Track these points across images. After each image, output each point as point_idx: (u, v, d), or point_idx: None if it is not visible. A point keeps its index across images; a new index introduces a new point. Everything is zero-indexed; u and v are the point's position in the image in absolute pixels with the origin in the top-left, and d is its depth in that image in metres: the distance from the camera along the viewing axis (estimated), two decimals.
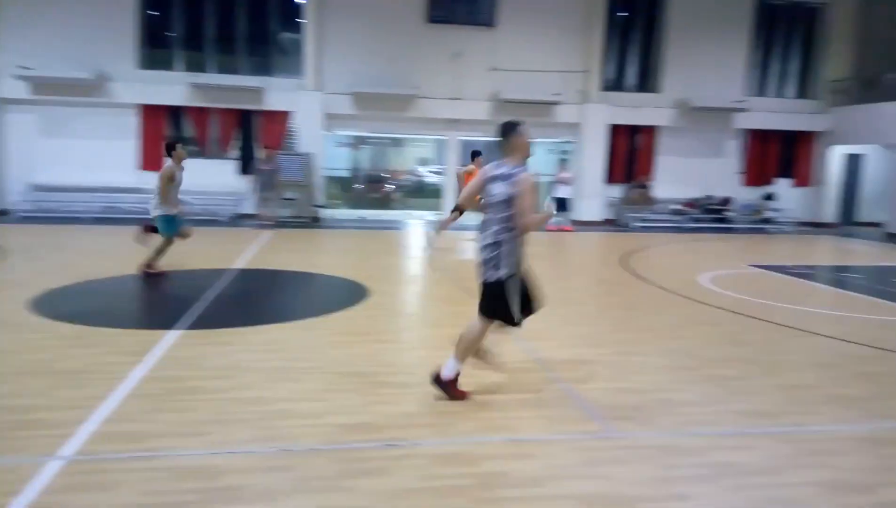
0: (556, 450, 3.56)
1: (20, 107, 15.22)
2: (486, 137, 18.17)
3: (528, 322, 4.41)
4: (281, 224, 14.31)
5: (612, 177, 17.76)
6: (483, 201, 4.23)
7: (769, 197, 17.89)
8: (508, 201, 4.02)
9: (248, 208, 15.39)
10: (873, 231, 16.97)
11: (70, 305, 6.57)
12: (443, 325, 6.40)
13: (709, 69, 17.72)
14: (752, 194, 18.02)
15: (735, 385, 4.73)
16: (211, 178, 15.73)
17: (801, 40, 18.69)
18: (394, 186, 20.44)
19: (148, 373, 4.58)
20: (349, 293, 7.55)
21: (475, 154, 11.85)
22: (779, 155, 18.36)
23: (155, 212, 8.08)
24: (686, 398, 4.43)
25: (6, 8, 14.85)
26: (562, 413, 4.10)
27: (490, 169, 4.23)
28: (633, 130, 17.81)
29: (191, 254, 9.90)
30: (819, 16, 18.41)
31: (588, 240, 14.39)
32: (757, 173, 18.24)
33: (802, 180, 18.48)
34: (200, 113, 15.94)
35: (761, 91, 18.38)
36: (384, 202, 19.85)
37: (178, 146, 8.15)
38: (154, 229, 8.26)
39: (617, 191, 17.78)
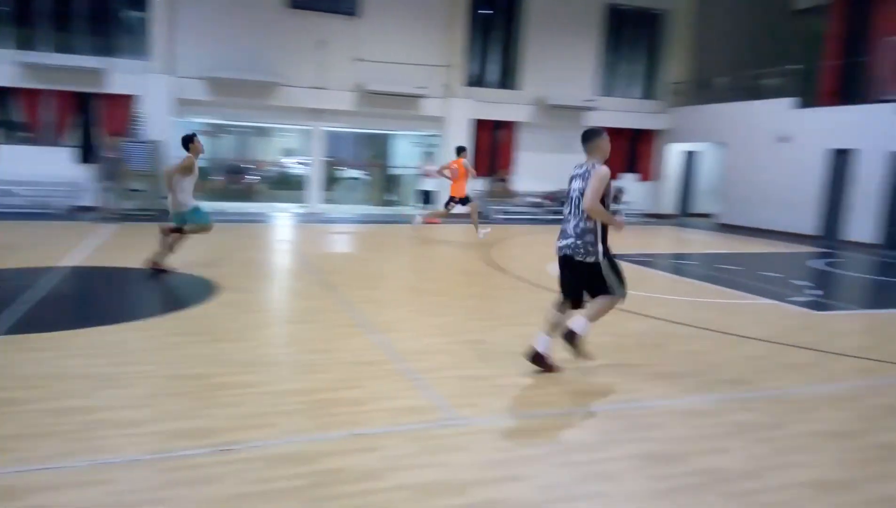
0: (397, 441, 3.56)
1: None
2: (351, 128, 17.97)
3: (386, 314, 4.36)
4: (126, 217, 13.24)
5: (475, 170, 18.17)
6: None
7: (617, 191, 19.17)
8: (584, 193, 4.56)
9: (87, 199, 14.10)
10: (706, 221, 18.73)
11: None
12: (295, 321, 6.23)
13: (563, 69, 18.65)
14: None
15: (576, 368, 4.98)
16: (44, 167, 14.27)
17: (645, 44, 20.17)
18: (257, 178, 19.64)
19: None
20: (196, 291, 7.11)
21: (460, 150, 12.66)
22: (626, 152, 19.72)
23: (182, 208, 7.90)
24: (527, 383, 4.60)
25: None
26: (407, 404, 4.10)
27: (574, 169, 4.80)
28: (495, 126, 18.36)
29: (13, 251, 8.89)
30: (661, 22, 19.95)
31: (452, 232, 14.65)
32: None
33: (646, 175, 20.00)
34: (32, 95, 14.37)
35: (610, 91, 19.63)
36: (246, 194, 19.01)
37: (196, 138, 7.98)
38: (177, 229, 8.02)
39: (480, 184, 18.25)
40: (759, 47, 19.02)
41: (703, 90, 19.16)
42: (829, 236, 15.02)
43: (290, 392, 4.23)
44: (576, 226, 4.65)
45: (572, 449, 3.57)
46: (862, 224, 14.41)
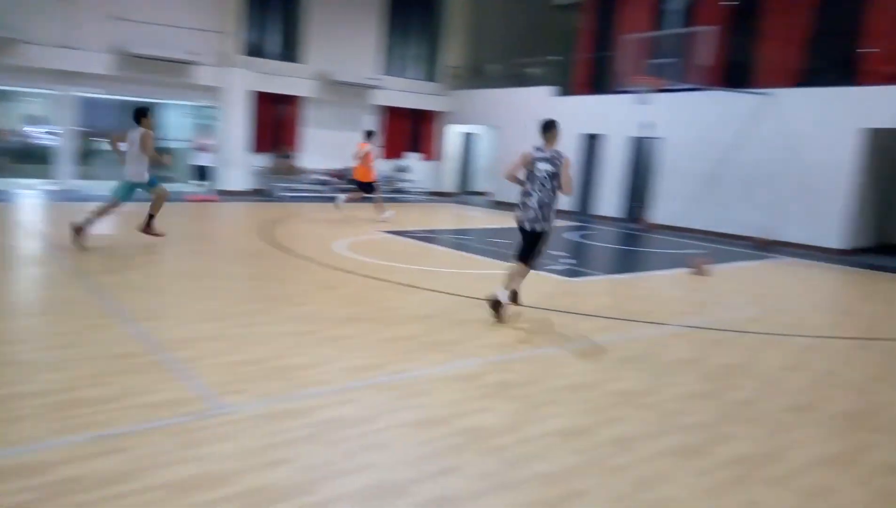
0: (151, 439, 3.25)
1: None
2: (111, 95, 16.03)
3: (146, 301, 3.93)
4: None
5: (258, 146, 17.39)
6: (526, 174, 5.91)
7: (402, 169, 19.67)
8: (553, 176, 5.77)
9: None
10: (483, 199, 20.01)
11: None
12: (32, 314, 5.42)
13: (347, 45, 18.49)
14: (387, 167, 19.56)
15: (349, 343, 5.00)
16: None
17: (426, 27, 20.75)
18: None
19: None
20: None
21: (369, 134, 13.14)
22: (409, 131, 20.25)
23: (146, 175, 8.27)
24: (301, 362, 4.50)
25: None
26: (166, 397, 3.78)
27: (533, 152, 5.88)
28: (278, 100, 17.66)
29: None
30: (440, 6, 20.65)
31: (232, 210, 13.86)
32: (391, 147, 19.84)
33: (428, 155, 20.75)
34: None
35: (393, 71, 19.92)
36: None
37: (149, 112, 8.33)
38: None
39: (263, 160, 17.49)
40: (525, 38, 20.63)
41: (478, 75, 20.32)
42: (584, 211, 16.94)
43: (19, 396, 3.65)
44: (540, 200, 5.79)
45: (343, 426, 3.57)
46: (609, 200, 16.47)
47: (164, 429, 3.37)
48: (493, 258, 9.39)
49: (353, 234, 11.01)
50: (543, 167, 5.79)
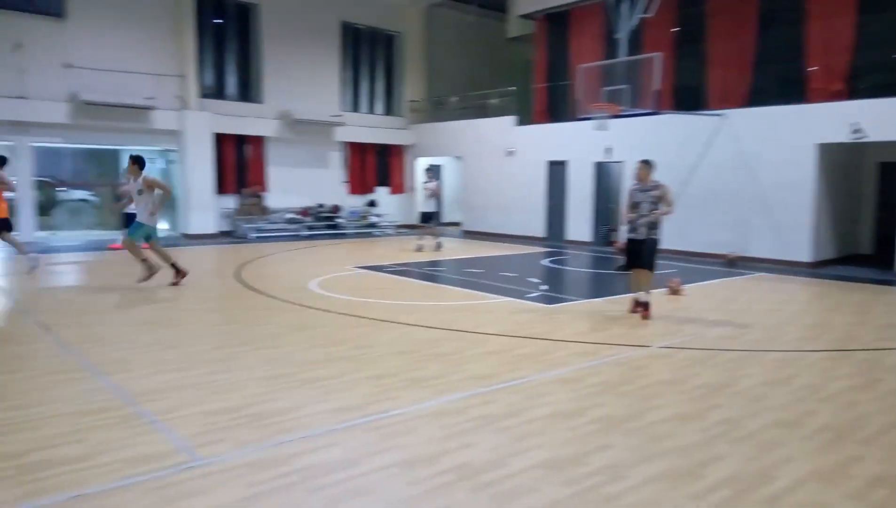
0: (129, 497, 3.11)
1: None
2: (68, 144, 15.74)
3: (114, 352, 3.78)
4: None
5: (223, 187, 17.23)
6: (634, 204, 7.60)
7: (372, 204, 19.67)
8: (657, 201, 7.41)
9: None
10: (455, 229, 20.07)
11: None
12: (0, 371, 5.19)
13: (307, 84, 18.58)
14: (357, 202, 19.55)
15: (329, 385, 4.89)
16: None
17: (384, 62, 21.00)
18: None
19: None
20: None
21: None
22: (376, 166, 20.32)
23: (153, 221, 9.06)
24: (279, 407, 4.39)
25: None
26: (143, 452, 3.63)
27: (634, 187, 7.65)
28: (241, 140, 17.59)
29: None
30: (396, 42, 20.94)
31: (199, 254, 13.62)
32: (359, 182, 19.88)
33: (397, 188, 20.82)
34: None
35: (355, 107, 20.06)
36: None
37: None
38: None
39: (230, 202, 17.32)
40: (482, 70, 21.02)
41: (439, 108, 20.57)
42: (555, 236, 17.10)
43: None
44: (648, 220, 7.42)
45: (325, 471, 3.46)
46: (578, 225, 16.66)
47: (141, 485, 3.23)
48: (469, 289, 9.37)
49: (327, 271, 10.90)
50: (643, 197, 7.47)
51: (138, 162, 8.96)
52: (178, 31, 16.19)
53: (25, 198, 14.92)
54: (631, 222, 7.54)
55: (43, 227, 15.61)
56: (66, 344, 5.95)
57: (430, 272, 11.73)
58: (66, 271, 11.05)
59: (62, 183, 17.80)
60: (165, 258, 9.31)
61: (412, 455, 3.67)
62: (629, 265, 7.74)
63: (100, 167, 18.47)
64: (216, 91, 17.45)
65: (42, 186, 15.50)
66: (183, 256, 13.30)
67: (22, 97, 14.16)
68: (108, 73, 15.15)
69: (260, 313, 7.67)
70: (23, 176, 14.80)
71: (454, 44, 21.52)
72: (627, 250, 7.72)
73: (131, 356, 5.63)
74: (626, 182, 15.40)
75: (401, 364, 5.49)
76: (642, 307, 7.60)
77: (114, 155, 17.85)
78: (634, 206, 7.53)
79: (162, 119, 15.95)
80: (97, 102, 14.72)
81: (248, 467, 3.48)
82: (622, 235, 8.53)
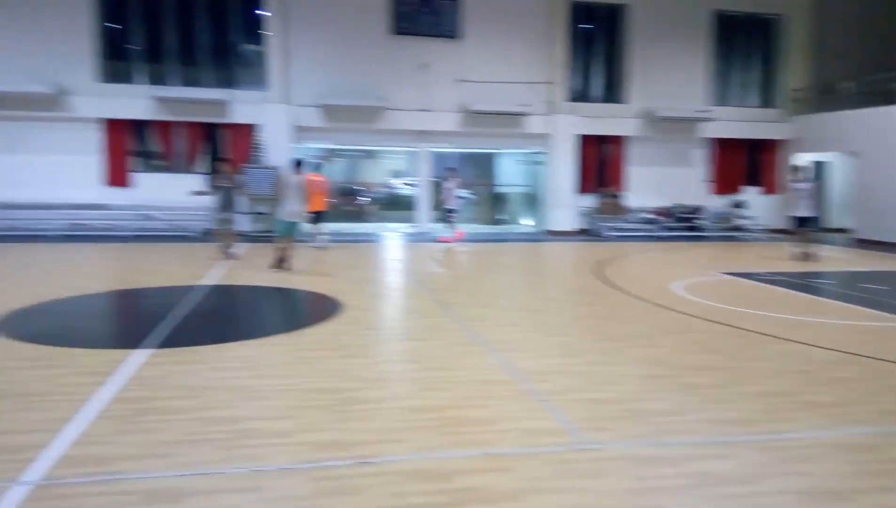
0: (532, 463, 3.50)
1: None
2: (456, 148, 18.24)
3: (503, 332, 4.33)
4: (252, 239, 14.10)
5: (583, 187, 17.92)
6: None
7: (738, 205, 18.20)
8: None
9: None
10: (842, 237, 17.34)
11: (34, 325, 6.36)
12: (417, 338, 6.32)
13: (672, 80, 18.06)
14: (721, 203, 18.32)
15: (709, 393, 4.73)
16: (179, 193, 15.44)
17: (760, 50, 19.16)
18: (368, 199, 20.34)
19: (114, 394, 4.42)
20: (322, 308, 7.43)
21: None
22: (745, 163, 18.72)
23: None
24: (660, 408, 4.41)
25: None
26: (536, 425, 4.04)
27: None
28: (602, 141, 18.03)
29: (160, 270, 9.68)
30: (776, 26, 18.89)
31: (561, 250, 14.45)
32: (724, 182, 18.57)
33: (770, 188, 18.85)
34: (165, 127, 15.68)
35: (724, 101, 18.76)
36: (358, 215, 19.74)
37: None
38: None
39: (589, 201, 17.94)
40: (884, 50, 17.54)
41: (828, 96, 17.89)
42: None
43: (418, 409, 4.29)
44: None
45: (722, 482, 3.36)
46: None
47: (540, 456, 3.60)
48: (869, 307, 8.02)
49: (690, 275, 10.51)
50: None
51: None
52: (550, 41, 17.33)
53: (423, 196, 17.74)
54: None
55: (435, 220, 18.27)
56: (463, 320, 6.94)
57: (812, 284, 10.35)
58: (453, 258, 12.84)
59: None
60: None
61: (816, 486, 3.32)
62: None
63: (476, 169, 20.90)
64: (582, 94, 18.20)
65: (435, 185, 17.96)
66: (546, 251, 14.28)
67: (425, 110, 16.87)
68: (491, 84, 17.04)
69: (627, 311, 7.79)
70: (421, 177, 17.67)
71: (851, 21, 18.49)
72: None
73: (518, 337, 6.28)
74: None
75: (791, 384, 4.99)
76: None
77: (488, 158, 20.05)
78: None
79: (533, 124, 17.31)
80: (481, 110, 16.69)
81: (636, 460, 3.59)
82: None
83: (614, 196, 17.82)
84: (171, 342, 5.78)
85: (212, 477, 3.26)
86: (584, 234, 17.59)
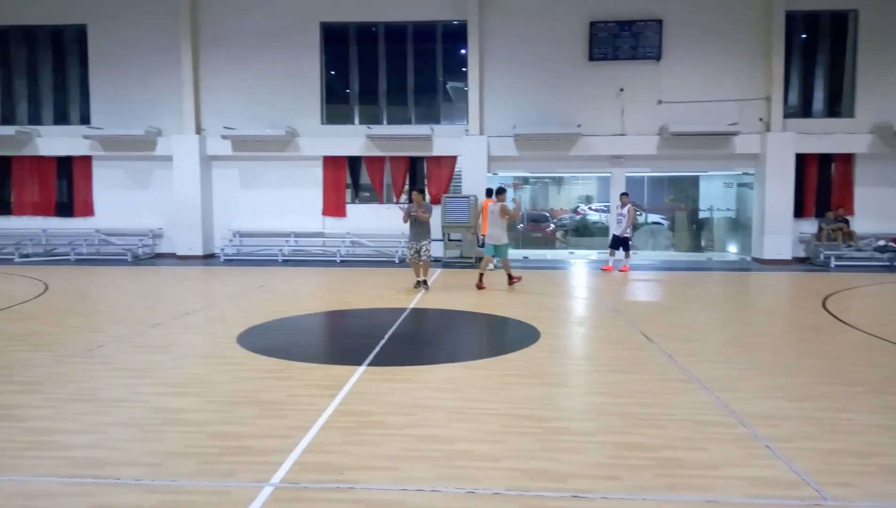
0: None
1: (224, 162, 17.36)
2: (652, 172, 17.53)
3: (714, 369, 4.05)
4: (447, 264, 14.74)
5: (801, 211, 16.21)
6: None
7: None
8: None
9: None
10: None
11: (269, 340, 7.22)
12: (620, 370, 6.13)
13: None
14: None
15: None
16: (385, 221, 16.70)
17: None
18: (555, 226, 20.31)
19: (340, 407, 4.86)
20: (520, 334, 7.53)
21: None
22: None
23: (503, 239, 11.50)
24: None
25: (209, 78, 17.11)
26: (765, 474, 3.70)
27: None
28: (824, 160, 16.19)
29: (372, 294, 10.51)
30: None
31: (778, 280, 13.16)
32: None
33: None
34: (375, 161, 17.08)
35: None
36: (547, 242, 19.75)
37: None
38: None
39: (807, 226, 16.17)
40: None
41: None
42: None
43: (630, 446, 4.14)
44: None
45: None
46: None
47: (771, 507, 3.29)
48: None
49: None
50: None
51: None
52: (766, 53, 16.02)
53: (614, 221, 17.21)
54: None
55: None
56: (668, 354, 6.58)
57: None
58: (648, 287, 12.27)
59: (640, 208, 19.94)
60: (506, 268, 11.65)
61: None
62: None
63: (671, 192, 19.87)
64: (801, 110, 16.55)
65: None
66: (757, 281, 13.10)
67: (621, 134, 16.47)
68: (694, 104, 16.17)
69: (862, 351, 6.85)
70: (614, 202, 17.18)
71: None
72: None
73: (731, 375, 5.81)
74: None
75: None
76: None
77: (688, 181, 18.96)
78: None
79: (743, 143, 16.08)
80: (683, 132, 15.88)
81: None
82: None
83: (841, 221, 15.85)
84: (383, 360, 6.23)
85: (429, 494, 3.43)
86: (802, 263, 15.84)
